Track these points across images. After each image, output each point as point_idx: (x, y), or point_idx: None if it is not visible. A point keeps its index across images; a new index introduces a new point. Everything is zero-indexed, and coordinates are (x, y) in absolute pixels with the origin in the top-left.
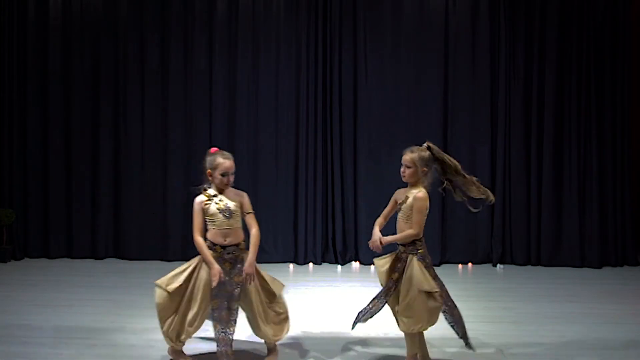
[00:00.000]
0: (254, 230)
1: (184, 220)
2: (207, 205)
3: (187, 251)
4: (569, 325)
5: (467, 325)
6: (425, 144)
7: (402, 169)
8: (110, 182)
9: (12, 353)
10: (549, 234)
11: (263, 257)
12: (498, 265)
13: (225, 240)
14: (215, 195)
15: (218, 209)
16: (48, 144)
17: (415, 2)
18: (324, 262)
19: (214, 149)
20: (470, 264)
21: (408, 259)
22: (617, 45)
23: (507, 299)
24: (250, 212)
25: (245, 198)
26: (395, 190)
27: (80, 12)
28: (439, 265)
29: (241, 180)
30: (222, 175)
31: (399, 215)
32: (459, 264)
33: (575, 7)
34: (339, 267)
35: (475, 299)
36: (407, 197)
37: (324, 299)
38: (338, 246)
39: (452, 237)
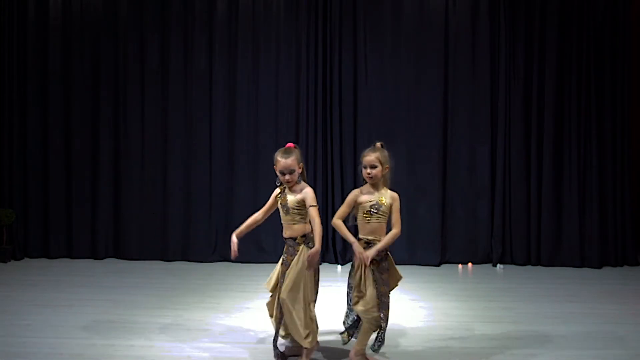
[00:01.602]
0: (315, 222)
1: (184, 220)
2: (277, 197)
3: (187, 251)
4: (569, 325)
5: (467, 325)
6: (379, 143)
7: (366, 171)
8: (110, 182)
9: (12, 353)
10: (549, 234)
11: (263, 257)
12: (498, 265)
13: (285, 234)
14: (284, 189)
15: (280, 204)
16: (48, 144)
17: (415, 2)
18: (324, 262)
19: (288, 144)
20: (470, 264)
21: (389, 258)
22: (617, 45)
23: (507, 299)
24: (312, 206)
25: (308, 194)
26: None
27: (80, 12)
28: (438, 265)
29: (241, 180)
30: (280, 173)
31: (373, 218)
32: (459, 264)
33: (575, 7)
34: (339, 267)
35: (475, 299)
36: (382, 200)
37: (324, 299)
38: (338, 246)
39: (452, 237)
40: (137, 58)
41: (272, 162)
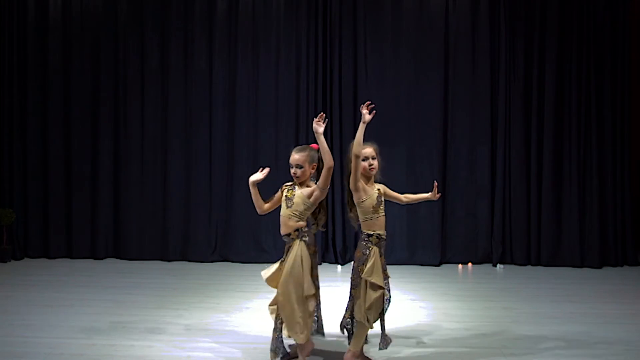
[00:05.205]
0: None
1: (184, 220)
2: (284, 189)
3: (187, 251)
4: (569, 325)
5: (467, 325)
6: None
7: (368, 162)
8: (110, 182)
9: (12, 353)
10: (549, 234)
11: (263, 257)
12: (498, 265)
13: (282, 230)
14: (294, 184)
15: (286, 196)
16: (48, 144)
17: (415, 2)
18: (324, 262)
19: (312, 145)
20: (470, 264)
21: (372, 250)
22: (617, 45)
23: (507, 299)
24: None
25: (314, 190)
26: (382, 189)
27: (80, 13)
28: (439, 265)
29: (241, 180)
30: (290, 166)
31: (381, 210)
32: (459, 264)
33: (575, 7)
34: (339, 267)
35: (475, 299)
36: (380, 190)
37: (324, 299)
38: (338, 246)
39: (452, 237)
40: (137, 58)
41: (272, 162)
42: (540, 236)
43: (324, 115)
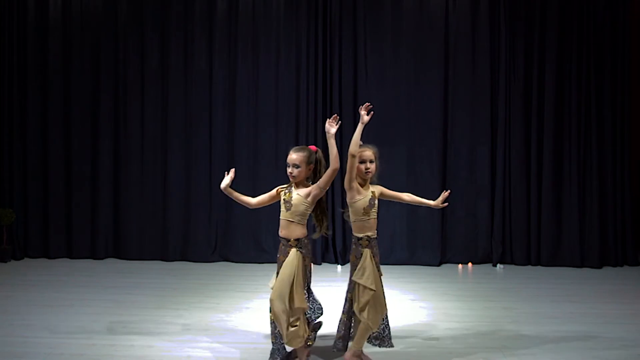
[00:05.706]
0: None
1: (184, 220)
2: (280, 192)
3: (187, 251)
4: (569, 325)
5: (467, 325)
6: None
7: (365, 165)
8: (110, 182)
9: (12, 353)
10: (549, 234)
11: (263, 257)
12: (498, 265)
13: (281, 232)
14: (290, 186)
15: (283, 199)
16: (48, 144)
17: (415, 2)
18: (324, 262)
19: (310, 146)
20: (470, 264)
21: (363, 252)
22: (617, 45)
23: (507, 299)
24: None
25: (312, 190)
26: (378, 192)
27: (80, 13)
28: (439, 265)
29: (241, 180)
30: (287, 165)
31: (373, 211)
32: (459, 264)
33: (575, 7)
34: (339, 267)
35: (475, 299)
36: (374, 193)
37: (324, 299)
38: (338, 246)
39: (452, 237)
40: (137, 58)
41: (272, 162)
42: (540, 236)
43: (338, 117)
